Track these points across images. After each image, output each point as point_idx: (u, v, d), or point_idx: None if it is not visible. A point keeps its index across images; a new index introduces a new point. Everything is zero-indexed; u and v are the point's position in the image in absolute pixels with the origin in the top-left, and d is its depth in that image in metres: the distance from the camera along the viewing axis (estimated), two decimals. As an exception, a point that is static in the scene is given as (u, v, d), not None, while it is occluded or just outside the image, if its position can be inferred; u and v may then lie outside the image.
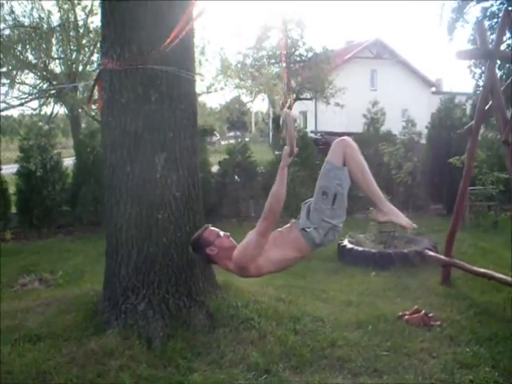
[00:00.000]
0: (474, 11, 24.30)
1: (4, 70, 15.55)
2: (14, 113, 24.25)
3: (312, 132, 26.54)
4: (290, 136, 3.33)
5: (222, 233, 3.63)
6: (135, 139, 5.18)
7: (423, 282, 7.39)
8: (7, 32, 15.77)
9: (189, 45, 5.64)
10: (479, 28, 7.02)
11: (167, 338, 5.02)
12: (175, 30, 4.56)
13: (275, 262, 3.49)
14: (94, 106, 13.17)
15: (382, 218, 3.59)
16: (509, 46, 19.11)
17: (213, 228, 3.68)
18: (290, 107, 3.56)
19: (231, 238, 3.62)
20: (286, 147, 3.35)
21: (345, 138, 3.55)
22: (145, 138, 5.18)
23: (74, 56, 16.30)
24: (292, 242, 3.48)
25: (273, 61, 33.28)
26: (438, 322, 5.70)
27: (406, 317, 5.83)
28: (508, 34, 18.55)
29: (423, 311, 5.86)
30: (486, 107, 6.79)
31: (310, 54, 32.13)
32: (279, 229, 3.63)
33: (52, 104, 17.93)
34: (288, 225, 3.62)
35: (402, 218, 3.50)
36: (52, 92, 16.20)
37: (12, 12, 15.75)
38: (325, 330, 5.40)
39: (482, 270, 6.74)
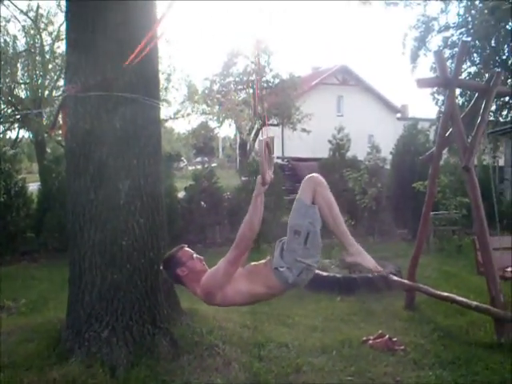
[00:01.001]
0: (436, 40, 24.88)
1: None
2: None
3: (278, 158, 26.72)
4: (261, 164, 3.33)
5: (195, 255, 3.60)
6: (99, 166, 5.17)
7: (387, 306, 7.46)
8: (-29, 57, 15.65)
9: (153, 72, 5.68)
10: (438, 57, 7.19)
11: (131, 366, 4.96)
12: (138, 53, 4.59)
13: (243, 294, 3.44)
14: (58, 132, 13.09)
15: (349, 260, 3.59)
16: (469, 74, 19.58)
17: (187, 249, 3.65)
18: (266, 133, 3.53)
19: (204, 263, 3.58)
20: (259, 176, 3.34)
21: (314, 174, 3.55)
22: (109, 165, 5.18)
23: (39, 81, 16.20)
24: (264, 278, 3.43)
25: (240, 87, 33.51)
26: (402, 347, 5.75)
27: (370, 341, 5.88)
28: (468, 63, 19.05)
29: (387, 336, 5.92)
30: (447, 134, 6.95)
31: (277, 81, 32.42)
32: (255, 263, 3.61)
33: (17, 129, 17.80)
34: (263, 260, 3.59)
35: (368, 261, 3.49)
36: (17, 117, 16.07)
37: (-23, 36, 15.69)
38: (289, 356, 5.41)
39: (445, 293, 6.84)
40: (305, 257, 3.36)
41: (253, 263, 3.59)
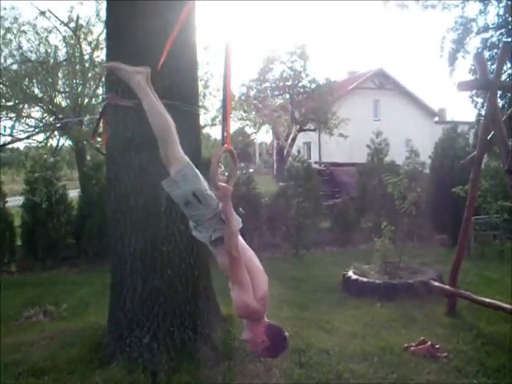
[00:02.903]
0: (474, 42, 24.47)
1: (11, 103, 15.71)
2: (20, 145, 24.47)
3: (316, 163, 26.64)
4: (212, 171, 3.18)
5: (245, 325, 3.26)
6: (140, 173, 5.22)
7: (429, 312, 7.35)
8: (15, 67, 15.97)
9: (192, 79, 5.72)
10: (478, 59, 7.08)
11: (172, 372, 4.99)
12: (180, 64, 4.61)
13: (258, 275, 3.22)
14: (98, 139, 13.25)
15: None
16: (509, 76, 19.22)
17: (252, 346, 3.30)
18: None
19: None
20: (225, 186, 3.19)
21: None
22: (149, 172, 5.21)
23: (79, 89, 16.46)
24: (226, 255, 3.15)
25: (276, 92, 33.54)
26: (445, 354, 5.65)
27: (412, 348, 5.80)
28: (508, 65, 18.69)
29: (429, 342, 5.83)
30: (488, 137, 6.84)
31: (313, 86, 32.36)
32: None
33: (58, 137, 18.10)
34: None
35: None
36: (58, 125, 16.34)
37: (20, 47, 16.02)
38: (330, 362, 5.37)
39: (488, 300, 6.73)
40: (212, 211, 3.24)
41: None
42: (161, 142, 3.32)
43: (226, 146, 3.35)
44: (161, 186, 5.12)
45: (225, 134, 3.48)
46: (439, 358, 5.56)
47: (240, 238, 3.28)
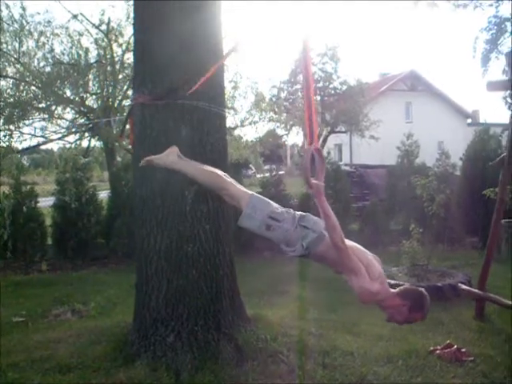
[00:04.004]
0: (509, 42, 24.06)
1: (43, 105, 15.90)
2: (54, 147, 24.75)
3: (346, 165, 26.55)
4: (305, 170, 3.57)
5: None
6: (166, 172, 5.24)
7: (456, 316, 7.27)
8: (47, 69, 16.15)
9: (219, 80, 5.73)
10: (510, 59, 6.98)
11: (195, 371, 5.00)
12: (207, 67, 4.64)
13: (366, 257, 3.55)
14: (126, 140, 13.29)
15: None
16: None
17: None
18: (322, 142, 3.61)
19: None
20: (317, 183, 3.43)
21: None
22: (175, 171, 5.24)
23: (110, 91, 16.58)
24: (333, 249, 3.53)
25: (307, 94, 33.48)
26: (471, 358, 5.58)
27: (438, 352, 5.74)
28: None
29: (455, 346, 5.76)
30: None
31: (345, 87, 32.28)
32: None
33: (89, 138, 18.27)
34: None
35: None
36: (89, 126, 16.47)
37: (52, 50, 16.18)
38: (354, 365, 5.33)
39: (517, 304, 6.62)
40: (292, 223, 3.67)
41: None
42: (219, 190, 3.63)
43: (314, 145, 3.55)
44: (186, 186, 5.20)
45: (311, 133, 3.65)
46: (465, 362, 5.48)
47: None
